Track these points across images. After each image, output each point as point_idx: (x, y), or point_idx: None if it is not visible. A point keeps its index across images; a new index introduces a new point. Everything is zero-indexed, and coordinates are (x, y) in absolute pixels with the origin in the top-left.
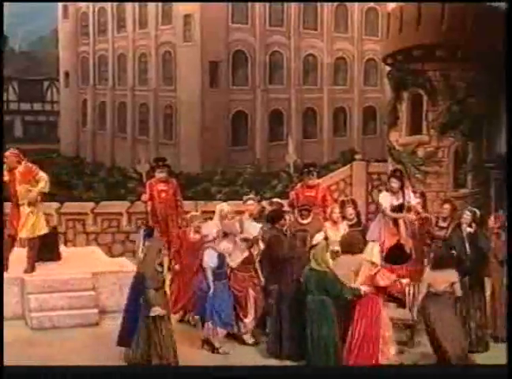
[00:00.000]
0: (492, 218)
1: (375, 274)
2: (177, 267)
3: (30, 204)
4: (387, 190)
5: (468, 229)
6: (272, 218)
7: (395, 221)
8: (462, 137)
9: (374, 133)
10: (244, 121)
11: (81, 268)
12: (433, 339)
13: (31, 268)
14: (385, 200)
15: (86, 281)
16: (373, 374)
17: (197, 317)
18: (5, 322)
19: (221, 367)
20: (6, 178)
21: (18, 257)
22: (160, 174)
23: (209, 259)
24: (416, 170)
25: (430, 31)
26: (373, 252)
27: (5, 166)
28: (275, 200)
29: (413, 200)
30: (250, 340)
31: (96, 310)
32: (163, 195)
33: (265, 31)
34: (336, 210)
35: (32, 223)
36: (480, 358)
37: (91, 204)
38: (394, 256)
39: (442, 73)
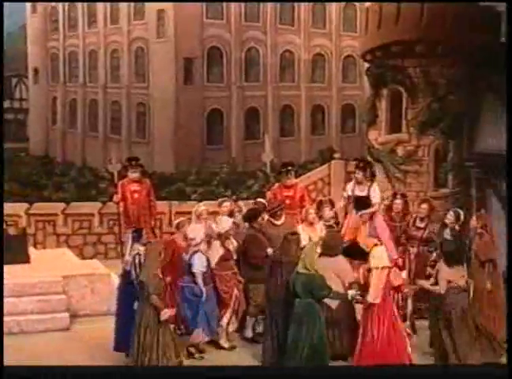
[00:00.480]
0: (475, 218)
1: (388, 275)
2: (169, 279)
3: None
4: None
5: (452, 231)
6: (249, 217)
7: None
8: (442, 136)
9: (352, 132)
10: (219, 119)
11: (51, 271)
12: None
13: None
14: (348, 189)
15: (56, 284)
16: (373, 374)
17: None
18: None
19: (217, 367)
20: None
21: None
22: (132, 174)
23: (200, 263)
24: (395, 170)
25: (409, 27)
26: (382, 256)
27: None
28: (259, 200)
29: (375, 196)
30: (226, 344)
31: (66, 314)
32: (136, 195)
33: (241, 27)
34: (312, 210)
35: None
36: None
37: (61, 205)
38: (353, 251)
39: (422, 70)
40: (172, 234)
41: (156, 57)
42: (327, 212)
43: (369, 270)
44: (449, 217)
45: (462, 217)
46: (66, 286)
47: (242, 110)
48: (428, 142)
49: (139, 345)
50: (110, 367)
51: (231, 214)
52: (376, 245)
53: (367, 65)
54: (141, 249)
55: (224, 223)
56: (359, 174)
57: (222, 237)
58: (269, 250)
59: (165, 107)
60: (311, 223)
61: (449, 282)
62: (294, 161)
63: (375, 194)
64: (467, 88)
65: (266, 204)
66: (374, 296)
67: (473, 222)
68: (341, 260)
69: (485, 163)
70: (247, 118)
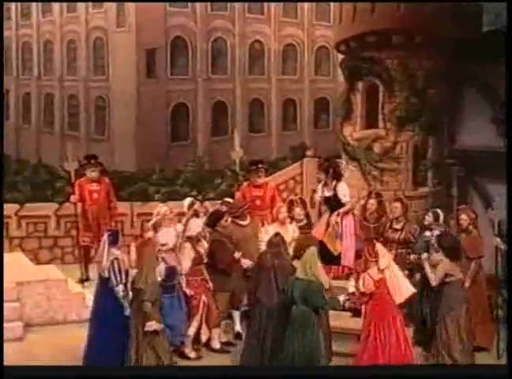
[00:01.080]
0: (463, 215)
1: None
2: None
3: None
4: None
5: (436, 232)
6: (211, 221)
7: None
8: (422, 131)
9: (326, 127)
10: (184, 114)
11: (4, 277)
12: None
13: None
14: (319, 189)
15: (9, 291)
16: (372, 374)
17: None
18: None
19: (218, 367)
20: None
21: None
22: (91, 173)
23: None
24: (371, 167)
25: (386, 17)
26: (388, 258)
27: None
28: (226, 199)
29: (344, 195)
30: (192, 354)
31: (20, 323)
32: (95, 196)
33: (207, 16)
34: (283, 209)
35: None
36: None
37: (15, 206)
38: (324, 254)
39: (400, 62)
40: (137, 237)
41: (116, 48)
42: (298, 212)
43: (382, 272)
44: (428, 218)
45: (442, 218)
46: (20, 293)
47: (209, 105)
48: (406, 138)
49: (137, 357)
50: (110, 368)
51: (196, 215)
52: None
53: (341, 56)
54: (118, 253)
55: (195, 226)
56: (322, 176)
57: (193, 240)
58: (236, 254)
59: (126, 102)
60: (282, 223)
61: (448, 275)
62: (264, 158)
63: (342, 193)
64: (447, 81)
65: (233, 204)
66: (400, 294)
67: (463, 219)
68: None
69: (467, 160)
70: (214, 112)
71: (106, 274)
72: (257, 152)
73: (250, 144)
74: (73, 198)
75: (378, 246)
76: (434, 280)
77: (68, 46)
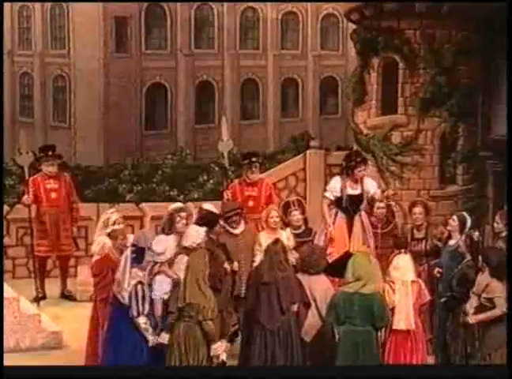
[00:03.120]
0: (497, 218)
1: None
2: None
3: None
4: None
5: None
6: (204, 226)
7: (349, 220)
8: (450, 118)
9: (334, 113)
10: (162, 96)
11: None
12: None
13: None
14: (334, 186)
15: None
16: (373, 374)
17: None
18: None
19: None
20: None
21: None
22: (48, 168)
23: (161, 289)
24: (389, 162)
25: None
26: (409, 267)
27: None
28: (204, 206)
29: (373, 189)
30: None
31: None
32: (53, 195)
33: None
34: (274, 212)
35: None
36: None
37: None
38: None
39: (424, 33)
40: None
41: (78, 16)
42: (296, 217)
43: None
44: (452, 223)
45: (469, 223)
46: None
47: (192, 85)
48: (432, 126)
49: None
50: (111, 368)
51: (171, 221)
52: (399, 253)
53: (352, 26)
54: (141, 275)
55: (195, 234)
56: (363, 171)
57: (191, 252)
58: (227, 266)
59: (91, 81)
60: (273, 229)
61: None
62: (259, 151)
63: (374, 189)
64: (481, 57)
65: (221, 207)
66: (404, 320)
67: (498, 222)
68: (321, 279)
69: (504, 152)
70: (198, 95)
71: (126, 301)
72: (251, 143)
73: (242, 133)
74: (25, 199)
75: (400, 257)
76: (500, 308)
77: (19, 14)
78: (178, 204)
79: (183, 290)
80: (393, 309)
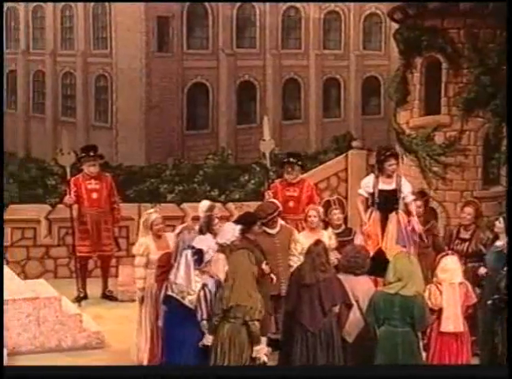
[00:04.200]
0: None
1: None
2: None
3: None
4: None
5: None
6: (244, 225)
7: (384, 217)
8: (494, 118)
9: (377, 113)
10: (204, 96)
11: None
12: None
13: None
14: (367, 182)
15: None
16: (373, 374)
17: None
18: None
19: (222, 367)
20: None
21: None
22: (89, 168)
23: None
24: (432, 162)
25: None
26: (457, 269)
27: None
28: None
29: (406, 187)
30: None
31: (3, 351)
32: (95, 196)
33: None
34: (314, 212)
35: None
36: None
37: None
38: (378, 264)
39: (468, 33)
40: None
41: (121, 15)
42: (336, 216)
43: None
44: (499, 224)
45: None
46: (4, 314)
47: (234, 85)
48: (476, 126)
49: None
50: (111, 368)
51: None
52: (447, 255)
53: (395, 26)
54: (205, 277)
55: (231, 232)
56: (396, 166)
57: (226, 250)
58: (265, 267)
59: (133, 81)
60: (314, 229)
61: None
62: (301, 151)
63: (408, 189)
64: None
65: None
66: (452, 322)
67: None
68: (364, 280)
69: None
70: (240, 94)
71: (192, 304)
72: (293, 144)
73: (284, 133)
74: (67, 199)
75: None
76: None
77: (62, 14)
78: (208, 202)
79: (229, 292)
80: (439, 311)
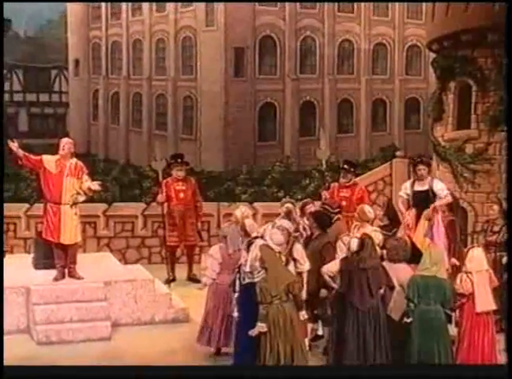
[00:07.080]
0: None
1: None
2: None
3: (74, 204)
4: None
5: None
6: (322, 222)
7: (418, 214)
8: None
9: (417, 128)
10: (272, 113)
11: (92, 277)
12: None
13: (61, 276)
14: (405, 186)
15: (97, 291)
16: (374, 374)
17: None
18: (8, 336)
19: (222, 367)
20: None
21: (22, 263)
22: (177, 173)
23: None
24: (463, 169)
25: (480, 13)
26: (482, 259)
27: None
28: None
29: (441, 189)
30: None
31: (108, 323)
32: (181, 195)
33: (296, 14)
34: (370, 209)
35: (75, 225)
36: None
37: (103, 206)
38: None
39: (495, 61)
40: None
41: (204, 47)
42: (377, 213)
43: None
44: None
45: None
46: (108, 292)
47: (297, 104)
48: (500, 139)
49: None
50: (112, 367)
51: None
52: (473, 247)
53: (433, 55)
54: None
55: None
56: (425, 170)
57: (300, 241)
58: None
59: (214, 101)
60: (364, 223)
61: None
62: (353, 159)
63: (440, 188)
64: None
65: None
66: (484, 303)
67: None
68: (406, 267)
69: None
70: (302, 112)
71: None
72: (345, 153)
73: (338, 144)
74: (159, 198)
75: (474, 251)
76: None
77: (157, 46)
78: (289, 205)
79: (275, 278)
80: (471, 295)
